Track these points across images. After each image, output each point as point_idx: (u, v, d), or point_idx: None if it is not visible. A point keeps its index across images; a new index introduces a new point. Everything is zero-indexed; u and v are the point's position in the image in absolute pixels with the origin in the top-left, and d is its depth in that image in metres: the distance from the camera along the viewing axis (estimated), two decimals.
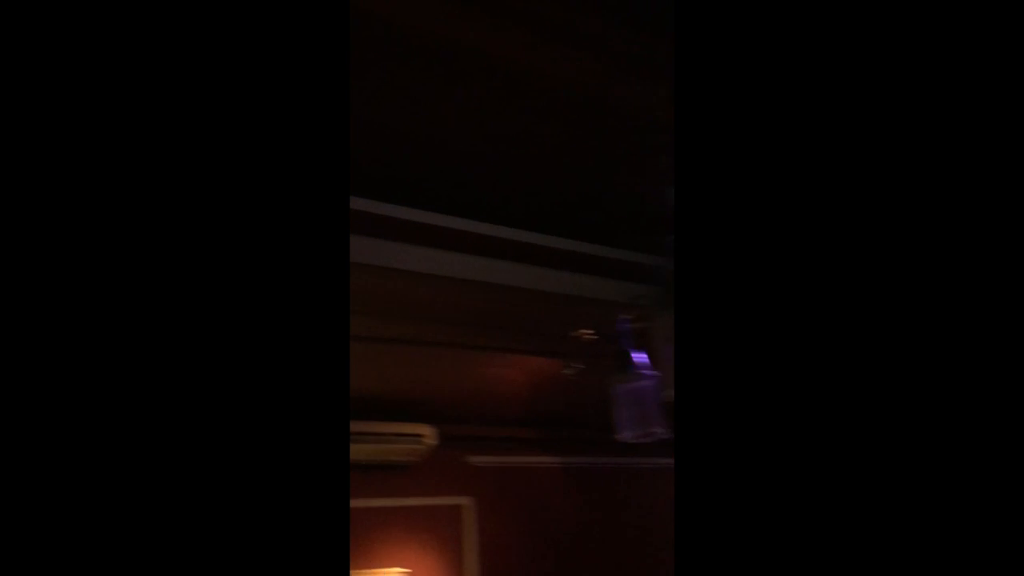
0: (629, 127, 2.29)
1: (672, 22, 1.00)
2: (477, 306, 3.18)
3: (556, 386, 4.16)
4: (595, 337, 3.34)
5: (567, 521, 5.14)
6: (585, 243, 3.11)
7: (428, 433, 4.42)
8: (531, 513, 5.07)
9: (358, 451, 4.23)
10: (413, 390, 4.52)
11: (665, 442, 3.35)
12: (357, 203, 2.55)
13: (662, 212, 2.77)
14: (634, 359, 2.94)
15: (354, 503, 4.64)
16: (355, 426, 4.19)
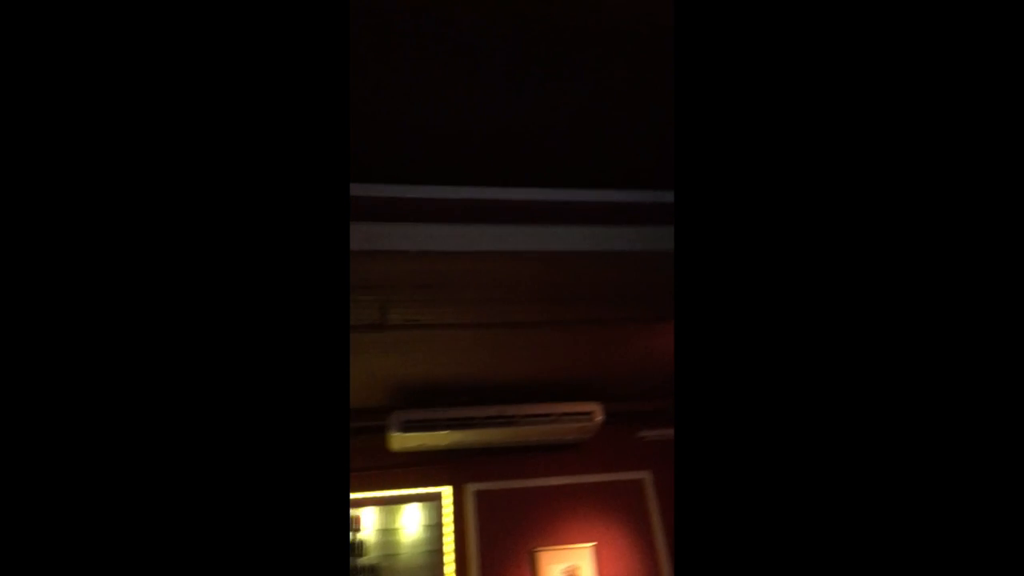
0: None
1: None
2: (628, 278, 3.11)
3: None
4: None
5: None
6: None
7: (597, 410, 4.45)
8: None
9: (530, 432, 4.35)
10: (579, 369, 4.57)
11: None
12: (484, 191, 2.59)
13: None
14: None
15: (534, 482, 4.78)
16: (525, 408, 4.31)
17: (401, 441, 4.22)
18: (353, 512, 4.60)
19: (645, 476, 4.91)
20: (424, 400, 4.26)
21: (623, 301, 3.39)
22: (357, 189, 2.64)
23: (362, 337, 3.44)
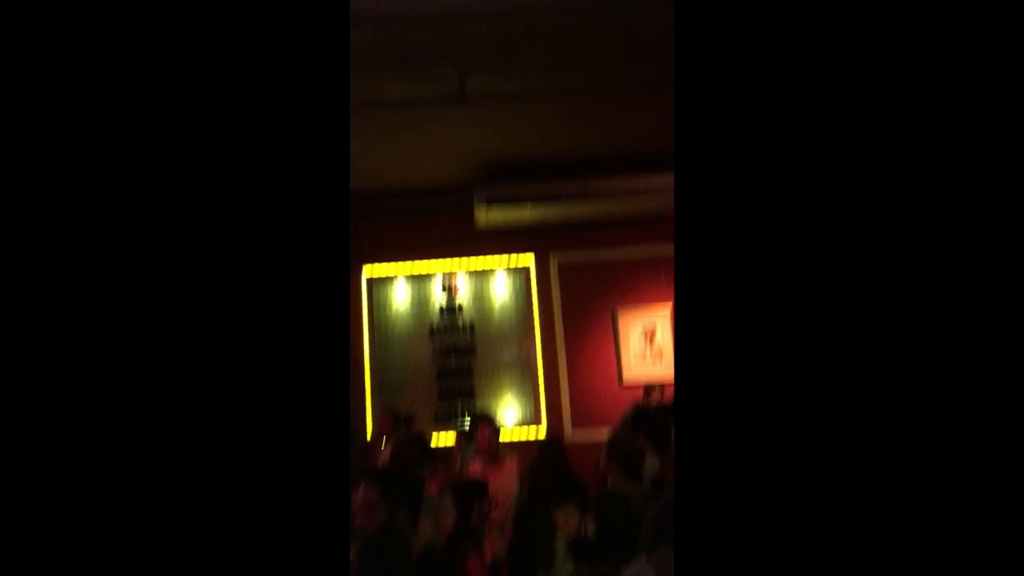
0: None
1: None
2: None
3: None
4: None
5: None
6: None
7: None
8: None
9: (612, 206, 4.44)
10: (663, 141, 4.38)
11: None
12: None
13: None
14: None
15: (616, 253, 5.00)
16: (607, 183, 4.35)
17: (487, 216, 4.44)
18: (450, 280, 5.06)
19: None
20: (508, 177, 4.38)
21: None
22: None
23: (444, 112, 3.49)
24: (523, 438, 4.73)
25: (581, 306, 5.04)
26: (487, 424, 3.50)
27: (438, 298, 5.04)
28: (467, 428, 4.32)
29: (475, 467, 3.33)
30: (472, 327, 5.01)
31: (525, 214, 4.48)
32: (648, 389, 4.48)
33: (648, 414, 3.28)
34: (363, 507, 2.05)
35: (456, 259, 5.00)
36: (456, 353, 4.98)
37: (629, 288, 5.01)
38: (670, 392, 4.37)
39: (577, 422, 4.89)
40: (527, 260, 5.08)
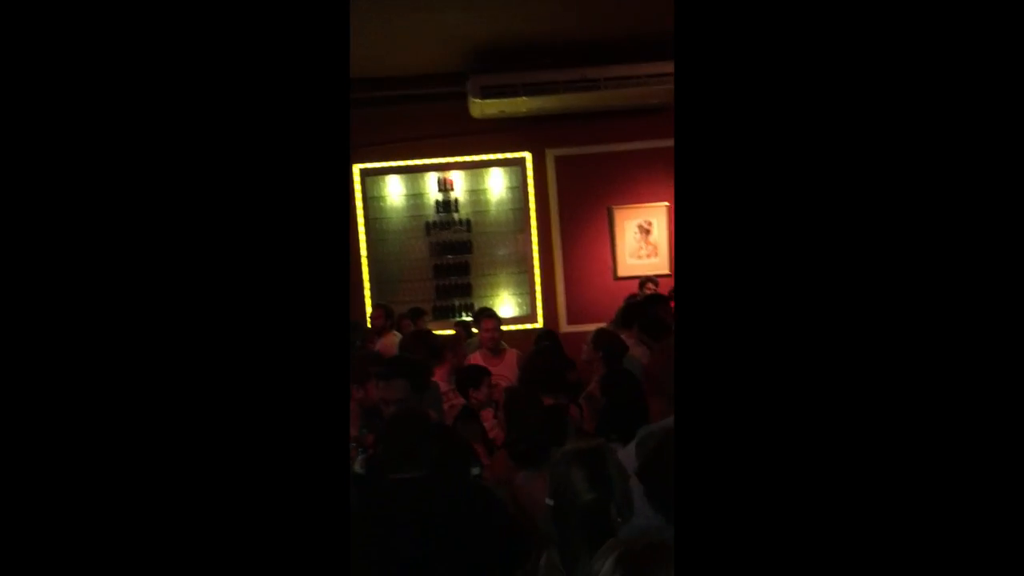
0: None
1: None
2: None
3: None
4: None
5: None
6: None
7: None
8: None
9: (612, 96, 4.29)
10: (665, 25, 4.16)
11: None
12: None
13: None
14: None
15: (614, 147, 4.89)
16: (607, 71, 4.18)
17: (481, 107, 4.29)
18: (444, 174, 4.96)
19: None
20: (503, 65, 4.19)
21: None
22: None
23: None
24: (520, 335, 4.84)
25: (578, 201, 4.99)
26: (490, 318, 3.57)
27: (433, 193, 4.97)
28: (467, 322, 4.40)
29: (477, 359, 3.41)
30: (468, 223, 4.97)
31: (520, 105, 4.33)
32: (643, 281, 4.54)
33: (640, 306, 3.33)
34: (380, 396, 2.20)
35: (451, 153, 4.88)
36: (452, 250, 4.97)
37: (626, 183, 4.94)
38: (664, 284, 4.43)
39: (572, 319, 4.97)
40: (524, 154, 4.96)
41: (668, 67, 4.23)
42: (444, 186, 4.96)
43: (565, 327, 4.88)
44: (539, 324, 4.91)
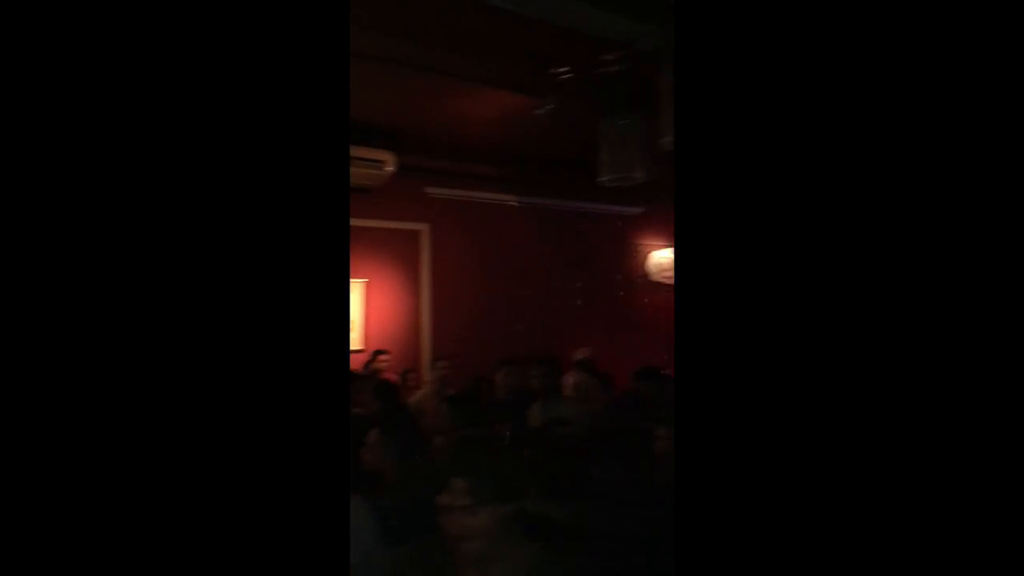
0: None
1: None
2: (447, 19, 2.70)
3: (526, 124, 3.89)
4: (575, 75, 3.13)
5: (520, 258, 5.47)
6: None
7: (389, 159, 4.35)
8: (486, 246, 5.34)
9: None
10: (376, 114, 4.01)
11: (646, 185, 3.25)
12: None
13: None
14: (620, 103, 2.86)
15: None
16: None
17: None
18: None
19: (423, 228, 5.15)
20: None
21: (438, 44, 3.09)
22: None
23: None
24: None
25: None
26: None
27: None
28: None
29: None
30: None
31: None
32: (374, 354, 3.76)
33: None
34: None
35: None
36: None
37: None
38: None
39: None
40: None
41: (376, 153, 4.29)
42: None
43: None
44: None
